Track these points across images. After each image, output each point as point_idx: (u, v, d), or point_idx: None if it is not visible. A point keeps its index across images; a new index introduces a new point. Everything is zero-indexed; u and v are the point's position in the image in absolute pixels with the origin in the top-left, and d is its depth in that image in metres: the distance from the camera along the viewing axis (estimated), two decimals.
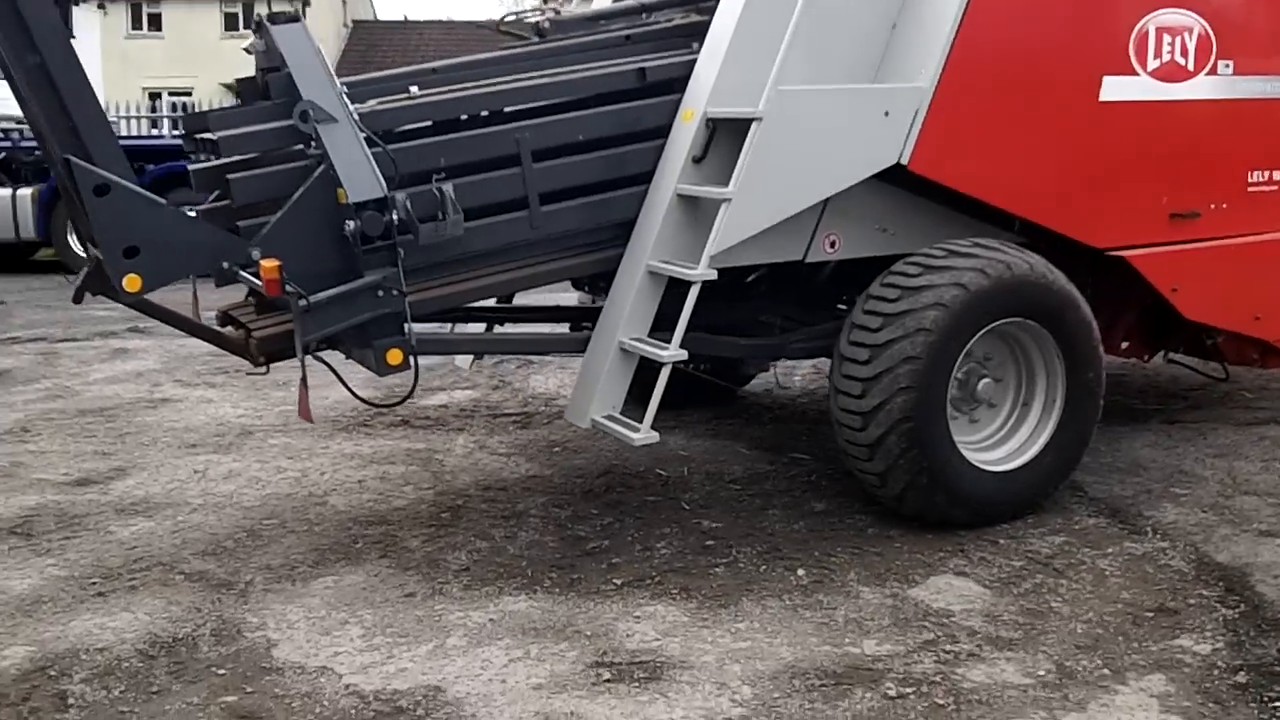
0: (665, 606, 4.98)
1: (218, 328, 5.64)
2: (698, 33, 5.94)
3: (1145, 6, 6.16)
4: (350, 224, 4.92)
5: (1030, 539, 5.66)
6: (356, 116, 5.10)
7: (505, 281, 5.72)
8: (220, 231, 5.08)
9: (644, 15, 6.62)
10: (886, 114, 5.59)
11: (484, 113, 5.72)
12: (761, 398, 8.42)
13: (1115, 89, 6.08)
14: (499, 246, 5.59)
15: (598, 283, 6.49)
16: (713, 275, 5.31)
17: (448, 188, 5.21)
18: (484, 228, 5.47)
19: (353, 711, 4.17)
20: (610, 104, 5.80)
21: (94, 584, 5.27)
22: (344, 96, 5.12)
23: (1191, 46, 6.28)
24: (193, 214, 5.20)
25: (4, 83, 5.27)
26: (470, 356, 7.61)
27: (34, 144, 12.73)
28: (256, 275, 4.89)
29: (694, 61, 5.80)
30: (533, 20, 6.87)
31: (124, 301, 5.01)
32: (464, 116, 5.68)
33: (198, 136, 5.52)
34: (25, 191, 16.23)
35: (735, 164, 5.32)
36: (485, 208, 5.47)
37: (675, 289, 5.45)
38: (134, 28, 43.41)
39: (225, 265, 5.01)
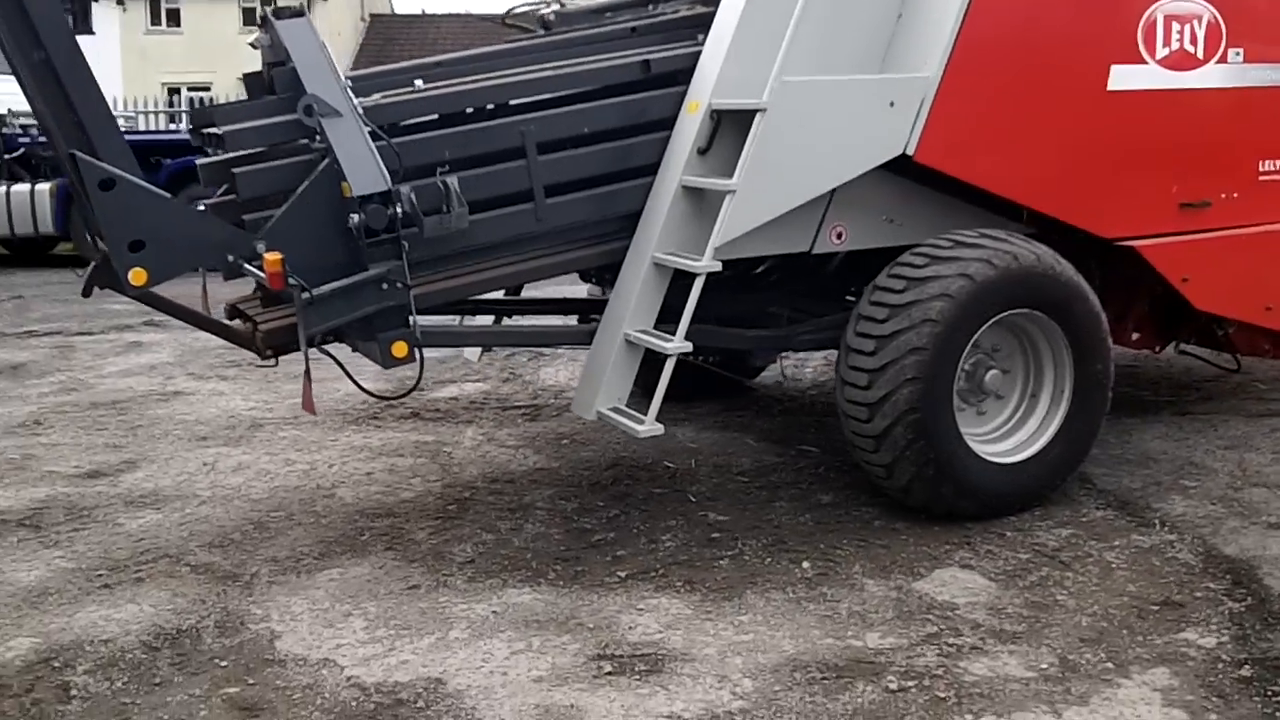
0: (669, 599, 4.98)
1: (225, 321, 5.66)
2: (703, 24, 5.91)
3: None
4: (354, 217, 4.94)
5: (1037, 531, 5.64)
6: (361, 110, 5.10)
7: (511, 274, 5.72)
8: (225, 225, 5.09)
9: (650, 7, 6.60)
10: (892, 104, 5.57)
11: (490, 106, 5.73)
12: (771, 390, 8.41)
13: (1124, 78, 6.05)
14: (504, 239, 5.59)
15: (605, 275, 6.49)
16: (717, 267, 5.31)
17: (452, 180, 5.21)
18: (489, 220, 5.46)
19: (353, 703, 4.18)
20: (615, 96, 5.79)
21: (100, 576, 5.29)
22: (348, 90, 5.12)
23: (1201, 34, 6.23)
24: (202, 208, 5.23)
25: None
26: (479, 349, 7.63)
27: None
28: (261, 268, 4.90)
29: (699, 53, 5.78)
30: (538, 13, 6.86)
31: (130, 295, 5.03)
32: (469, 110, 5.68)
33: (205, 131, 5.52)
34: (44, 187, 16.27)
35: (740, 155, 5.31)
36: (490, 200, 5.47)
37: (681, 281, 5.44)
38: (153, 23, 43.52)
39: (231, 259, 5.02)
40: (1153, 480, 6.32)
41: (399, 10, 51.54)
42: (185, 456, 7.09)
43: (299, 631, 4.73)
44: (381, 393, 6.59)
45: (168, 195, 5.03)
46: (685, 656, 4.48)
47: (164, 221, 4.93)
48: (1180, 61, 6.20)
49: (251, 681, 4.34)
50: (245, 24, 41.97)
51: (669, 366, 5.29)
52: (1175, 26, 6.15)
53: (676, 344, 5.27)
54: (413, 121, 5.51)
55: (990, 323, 5.64)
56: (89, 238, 5.51)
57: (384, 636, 4.67)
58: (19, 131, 16.95)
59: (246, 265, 5.01)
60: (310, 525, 5.89)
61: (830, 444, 6.91)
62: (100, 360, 10.08)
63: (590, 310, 6.85)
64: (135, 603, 5.01)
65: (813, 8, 5.46)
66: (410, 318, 5.18)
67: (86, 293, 5.32)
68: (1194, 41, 6.22)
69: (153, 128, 25.66)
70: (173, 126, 25.54)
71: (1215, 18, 6.27)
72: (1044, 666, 4.38)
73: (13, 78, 5.10)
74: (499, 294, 6.55)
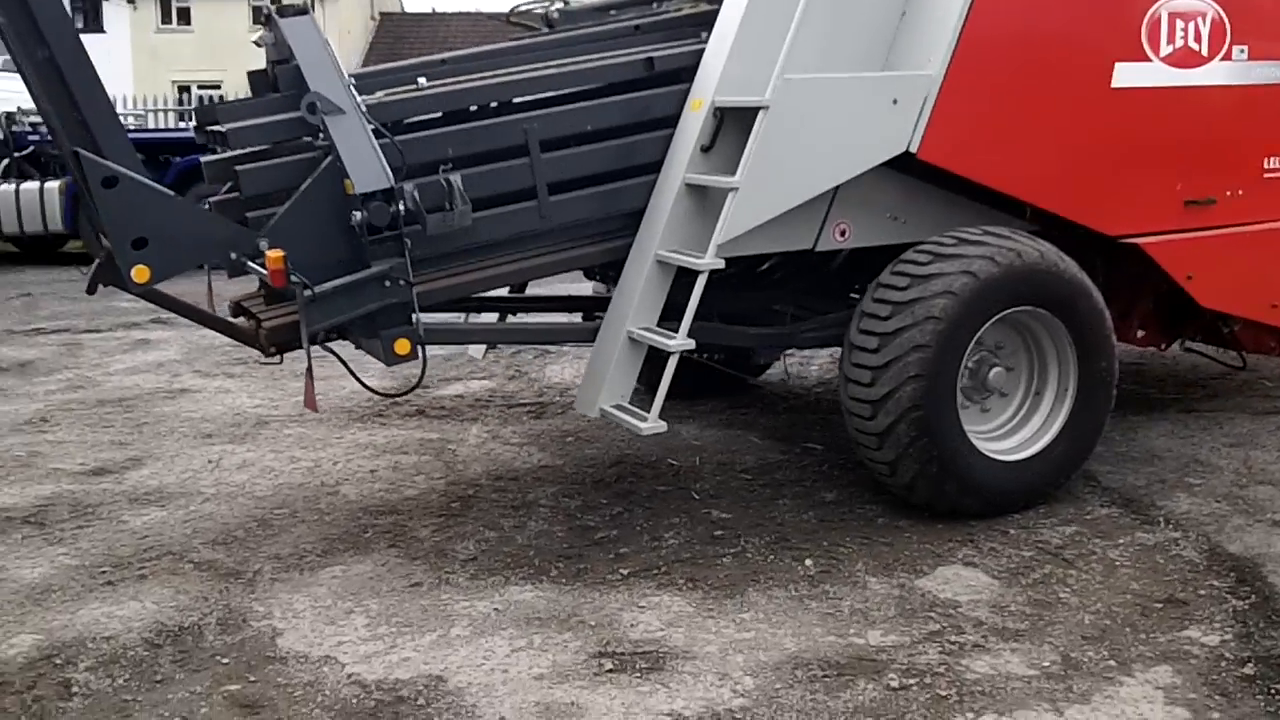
0: (671, 597, 4.98)
1: (230, 319, 5.67)
2: (707, 22, 5.91)
3: None
4: (357, 215, 4.94)
5: (1041, 529, 5.63)
6: (364, 108, 5.11)
7: (514, 272, 5.72)
8: (228, 223, 5.11)
9: (653, 5, 6.60)
10: (895, 102, 5.57)
11: (493, 104, 5.73)
12: (776, 387, 8.40)
13: (1128, 75, 6.03)
14: (508, 237, 5.60)
15: (609, 272, 6.49)
16: (720, 264, 5.30)
17: (455, 178, 5.21)
18: (492, 218, 5.46)
19: (354, 701, 4.18)
20: (619, 94, 5.79)
21: (104, 573, 5.30)
22: (352, 88, 5.13)
23: (1205, 32, 6.22)
24: (206, 206, 5.24)
25: None
26: (483, 346, 7.63)
27: None
28: (263, 266, 4.91)
29: (702, 51, 5.78)
30: (542, 11, 6.86)
31: (133, 292, 5.04)
32: (473, 107, 5.68)
33: (208, 129, 5.53)
34: (53, 185, 16.28)
35: (743, 153, 5.30)
36: (494, 198, 5.47)
37: (685, 278, 5.44)
38: (163, 22, 43.56)
39: (234, 256, 5.04)
40: (1157, 478, 6.31)
41: (409, 9, 51.56)
42: (190, 454, 7.10)
43: (301, 629, 4.74)
44: (386, 390, 6.59)
45: (170, 192, 5.04)
46: (686, 654, 4.48)
47: (167, 219, 4.94)
48: (1184, 59, 6.18)
49: (253, 679, 4.35)
50: (255, 22, 41.77)
51: (672, 364, 5.29)
52: (1179, 24, 6.14)
53: (679, 341, 5.28)
54: (416, 119, 5.51)
55: (994, 320, 5.63)
56: (94, 235, 5.52)
57: (385, 634, 4.68)
58: (28, 130, 16.97)
59: (249, 263, 5.02)
60: (314, 522, 5.89)
61: (835, 441, 6.90)
62: (107, 358, 10.10)
63: (594, 308, 6.84)
64: (138, 600, 5.02)
65: (816, 5, 5.46)
66: (413, 315, 5.18)
67: (91, 290, 5.34)
68: (1198, 39, 6.20)
69: (163, 126, 25.67)
70: (182, 125, 25.53)
71: (1219, 15, 6.25)
72: (1046, 664, 4.38)
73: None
74: (503, 291, 6.56)
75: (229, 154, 5.31)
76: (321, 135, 5.05)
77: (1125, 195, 6.15)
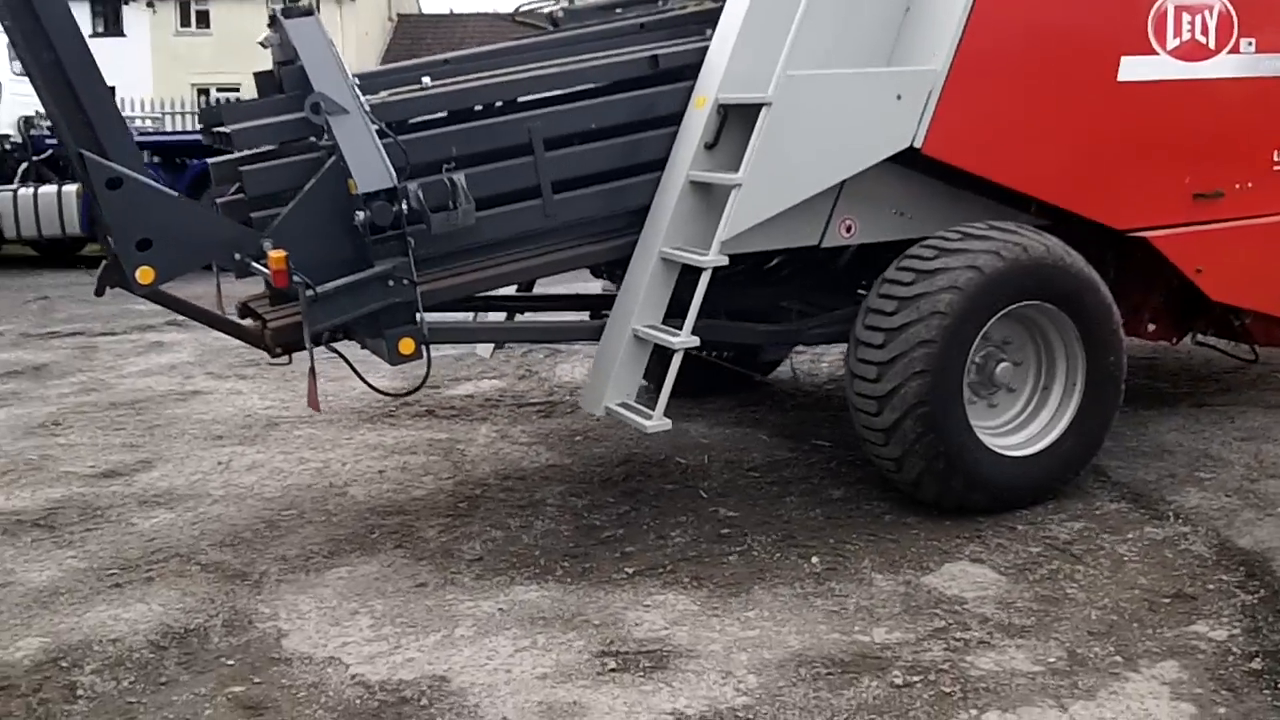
0: (676, 595, 4.97)
1: (237, 319, 5.68)
2: (711, 20, 5.91)
3: None
4: (360, 214, 4.94)
5: (1049, 525, 5.60)
6: (368, 108, 5.11)
7: (519, 270, 5.72)
8: (232, 223, 5.12)
9: (658, 3, 6.59)
10: (899, 97, 5.55)
11: (498, 103, 5.73)
12: (786, 385, 8.38)
13: (1134, 69, 6.01)
14: (512, 235, 5.60)
15: (617, 271, 6.48)
16: (723, 261, 5.29)
17: (459, 177, 5.21)
18: (497, 217, 5.46)
19: (357, 701, 4.19)
20: (623, 92, 5.79)
21: (111, 575, 5.31)
22: (355, 88, 5.14)
23: (1212, 24, 6.18)
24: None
25: None
26: (490, 345, 7.63)
27: None
28: (267, 266, 4.92)
29: (706, 48, 5.77)
30: (547, 10, 6.86)
31: (138, 293, 5.05)
32: (477, 107, 5.68)
33: (214, 130, 5.54)
34: (70, 188, 16.32)
35: (746, 150, 5.29)
36: (499, 197, 5.47)
37: (690, 276, 5.43)
38: (183, 25, 43.75)
39: (238, 257, 5.04)
40: (1167, 472, 6.28)
41: (427, 10, 51.65)
42: (200, 456, 7.12)
43: (306, 630, 4.74)
44: (396, 390, 6.59)
45: (175, 194, 5.06)
46: (690, 653, 4.47)
47: (171, 220, 4.95)
48: (1191, 52, 6.15)
49: (257, 680, 4.35)
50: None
51: (676, 361, 5.29)
52: (1186, 17, 6.11)
53: (683, 339, 5.27)
54: (421, 119, 5.51)
55: (1000, 315, 5.60)
56: (103, 237, 5.55)
57: (390, 634, 4.68)
58: (46, 133, 17.06)
59: (254, 263, 5.02)
60: (321, 523, 5.90)
61: (843, 438, 6.87)
62: (121, 360, 10.13)
63: (601, 306, 6.84)
64: (144, 602, 5.03)
65: (819, 2, 5.44)
66: (417, 315, 5.18)
67: (99, 291, 5.36)
68: (1205, 32, 6.17)
69: (182, 128, 25.74)
70: (199, 127, 25.62)
71: (1226, 8, 6.22)
72: (1051, 660, 4.36)
73: None
74: (511, 289, 6.56)
75: (234, 155, 5.32)
76: (325, 135, 5.06)
77: (1132, 189, 6.12)
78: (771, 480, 6.35)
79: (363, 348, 5.51)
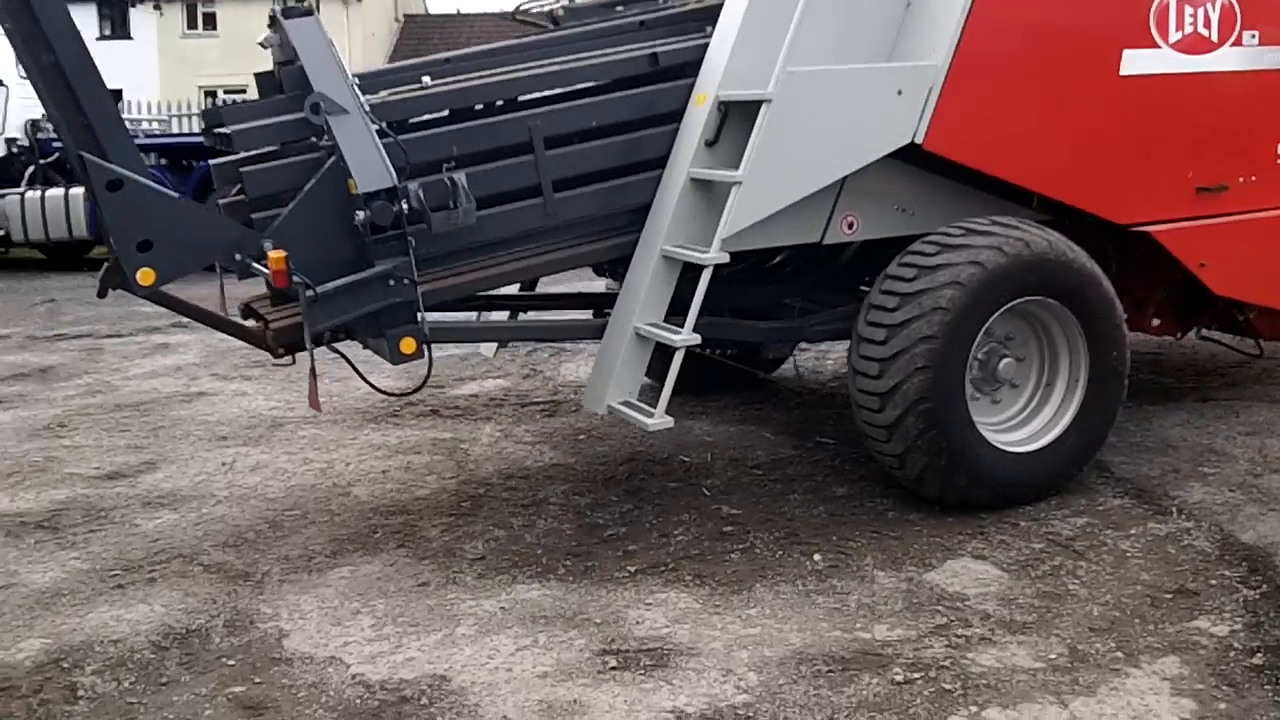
0: (677, 593, 4.97)
1: (240, 320, 5.68)
2: (711, 17, 5.90)
3: None
4: (360, 214, 4.94)
5: (1052, 521, 5.59)
6: (368, 108, 5.11)
7: (520, 269, 5.71)
8: (233, 224, 5.13)
9: (658, 0, 6.58)
10: (900, 93, 5.54)
11: (498, 102, 5.73)
12: (790, 383, 8.37)
13: (1136, 62, 5.99)
14: (513, 234, 5.59)
15: (619, 269, 6.47)
16: (724, 259, 5.29)
17: (460, 176, 5.21)
18: (498, 216, 5.46)
19: (358, 701, 4.19)
20: (623, 90, 5.78)
21: (114, 576, 5.32)
22: (355, 88, 5.14)
23: (1215, 17, 6.17)
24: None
25: None
26: (493, 345, 7.63)
27: None
28: (267, 266, 4.92)
29: (706, 45, 5.76)
30: (547, 8, 6.86)
31: (139, 295, 5.05)
32: (477, 106, 5.68)
33: (215, 131, 5.54)
34: (77, 191, 16.36)
35: (747, 147, 5.29)
36: (499, 195, 5.47)
37: (692, 273, 5.42)
38: (189, 27, 43.82)
39: (239, 258, 5.04)
40: (1171, 468, 6.26)
41: (433, 10, 51.68)
42: (205, 457, 7.13)
43: (307, 630, 4.74)
44: (401, 390, 6.60)
45: (175, 195, 5.06)
46: (691, 651, 4.46)
47: (171, 221, 4.96)
48: (1194, 45, 6.13)
49: (258, 680, 4.35)
50: None
51: (677, 359, 5.28)
52: (1188, 10, 6.09)
53: (685, 336, 5.26)
54: (421, 118, 5.51)
55: (1002, 310, 5.59)
56: (102, 239, 5.56)
57: (391, 634, 4.68)
58: (53, 137, 17.08)
59: (254, 264, 5.03)
60: (324, 524, 5.90)
61: (848, 436, 6.86)
62: (127, 362, 10.15)
63: (603, 304, 6.83)
64: (146, 603, 5.03)
65: None
66: (418, 314, 5.18)
67: (101, 293, 5.35)
68: (1208, 25, 6.15)
69: (189, 131, 25.77)
70: None
71: (1230, 0, 6.19)
72: (1053, 657, 4.35)
73: None
74: (514, 288, 6.56)
75: (235, 156, 5.33)
76: (325, 136, 5.06)
77: (1135, 183, 6.11)
78: (775, 478, 6.34)
79: (365, 348, 5.52)
